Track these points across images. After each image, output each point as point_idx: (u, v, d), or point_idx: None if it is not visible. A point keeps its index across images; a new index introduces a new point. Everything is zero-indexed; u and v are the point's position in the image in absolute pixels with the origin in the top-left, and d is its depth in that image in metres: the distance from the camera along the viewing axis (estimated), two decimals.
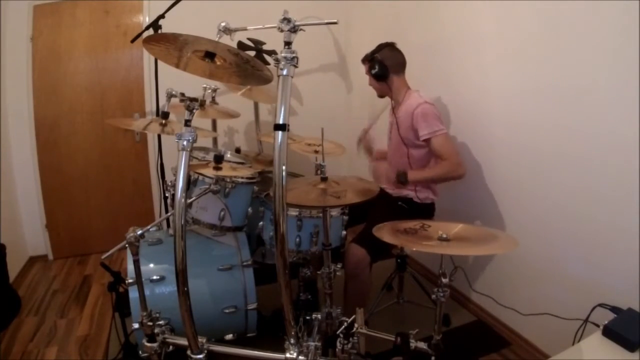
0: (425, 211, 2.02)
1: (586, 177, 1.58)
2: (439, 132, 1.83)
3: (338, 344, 1.29)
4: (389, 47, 1.96)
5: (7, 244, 2.15)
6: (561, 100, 1.66)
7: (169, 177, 2.10)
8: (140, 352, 1.60)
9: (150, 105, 2.94)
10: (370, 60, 1.94)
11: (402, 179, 1.83)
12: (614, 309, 1.29)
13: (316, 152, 2.05)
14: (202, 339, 1.32)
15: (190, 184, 1.73)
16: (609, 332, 1.16)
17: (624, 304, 1.29)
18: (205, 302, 1.67)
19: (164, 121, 1.83)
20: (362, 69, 2.05)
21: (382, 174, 1.97)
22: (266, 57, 2.60)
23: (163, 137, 2.34)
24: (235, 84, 1.45)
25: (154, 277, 1.64)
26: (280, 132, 1.07)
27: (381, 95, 2.07)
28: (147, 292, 1.46)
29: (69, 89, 2.81)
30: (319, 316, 1.53)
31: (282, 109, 1.06)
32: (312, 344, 1.25)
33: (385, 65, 1.92)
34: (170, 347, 1.42)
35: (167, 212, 2.41)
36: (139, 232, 1.35)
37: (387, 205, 2.00)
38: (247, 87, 2.62)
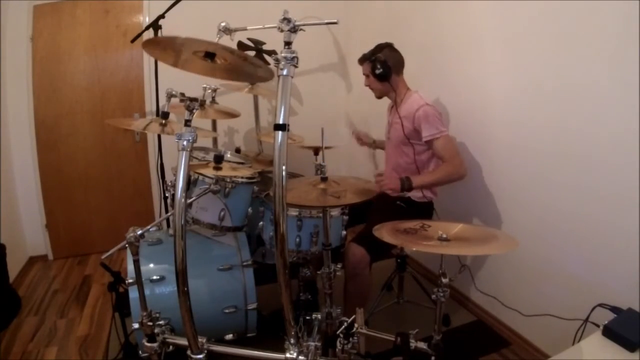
0: (425, 210, 2.02)
1: (586, 177, 1.58)
2: (439, 134, 1.84)
3: (338, 344, 1.29)
4: (389, 47, 1.96)
5: (7, 244, 2.15)
6: (561, 100, 1.66)
7: (169, 177, 2.10)
8: (140, 352, 1.60)
9: (150, 105, 2.94)
10: (372, 60, 1.93)
11: (406, 186, 1.80)
12: (614, 309, 1.29)
13: (316, 153, 2.05)
14: (202, 339, 1.32)
15: (190, 184, 1.73)
16: (609, 332, 1.16)
17: (624, 304, 1.29)
18: (205, 302, 1.67)
19: (164, 121, 1.83)
20: (361, 68, 2.04)
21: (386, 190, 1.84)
22: (266, 57, 2.61)
23: (163, 137, 2.34)
24: (236, 81, 1.46)
25: (154, 277, 1.64)
26: (280, 132, 1.07)
27: (380, 96, 2.06)
28: (147, 292, 1.46)
29: (69, 89, 2.81)
30: (319, 316, 1.53)
31: (282, 109, 1.06)
32: (312, 344, 1.25)
33: (388, 65, 1.92)
34: (170, 347, 1.42)
35: (167, 212, 2.41)
36: (139, 232, 1.35)
37: (386, 204, 2.00)
38: (248, 85, 2.62)
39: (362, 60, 2.01)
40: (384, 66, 1.91)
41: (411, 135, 1.92)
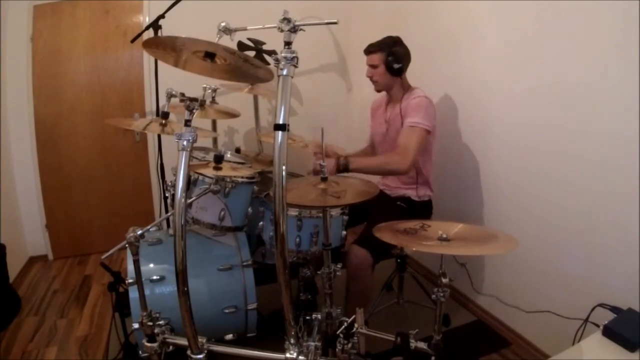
0: (424, 209, 2.02)
1: (586, 177, 1.58)
2: (416, 124, 1.80)
3: (338, 344, 1.29)
4: (400, 41, 1.93)
5: (7, 244, 2.15)
6: (561, 99, 1.66)
7: (169, 177, 2.10)
8: (140, 352, 1.60)
9: (150, 105, 2.94)
10: (391, 53, 1.87)
11: (342, 167, 1.75)
12: (614, 309, 1.29)
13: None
14: (202, 339, 1.32)
15: (190, 184, 1.73)
16: (609, 332, 1.16)
17: (624, 304, 1.29)
18: (205, 302, 1.67)
19: (164, 121, 1.83)
20: (362, 68, 2.02)
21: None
22: (266, 57, 2.60)
23: (163, 137, 2.34)
24: (236, 82, 1.47)
25: (154, 277, 1.64)
26: (280, 132, 1.07)
27: (381, 90, 2.02)
28: (147, 292, 1.46)
29: (69, 89, 2.81)
30: (319, 316, 1.53)
31: (282, 109, 1.06)
32: (312, 344, 1.25)
33: (404, 60, 1.90)
34: (170, 347, 1.42)
35: (167, 212, 2.41)
36: (139, 232, 1.35)
37: (387, 205, 2.00)
38: (248, 85, 2.62)
39: (373, 50, 1.92)
40: (402, 61, 1.88)
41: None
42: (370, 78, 1.99)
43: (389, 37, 1.93)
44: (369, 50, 1.95)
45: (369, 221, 1.93)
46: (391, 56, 1.88)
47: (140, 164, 3.07)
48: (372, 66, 1.95)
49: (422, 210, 2.00)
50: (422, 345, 1.25)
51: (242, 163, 2.14)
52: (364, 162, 1.86)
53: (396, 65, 1.88)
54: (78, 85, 2.82)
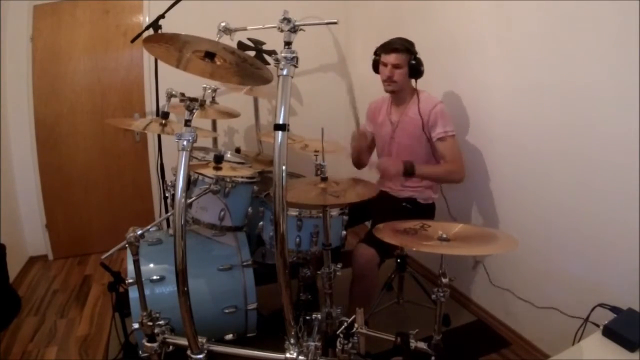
0: (428, 211, 2.04)
1: (586, 177, 1.58)
2: (452, 132, 1.86)
3: (338, 344, 1.29)
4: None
5: (7, 244, 2.15)
6: (561, 99, 1.66)
7: (169, 177, 2.10)
8: (140, 352, 1.60)
9: (150, 105, 2.94)
10: (415, 57, 1.88)
11: (409, 171, 1.80)
12: (614, 309, 1.29)
13: (316, 152, 2.04)
14: (202, 339, 1.32)
15: (190, 184, 1.73)
16: (609, 332, 1.16)
17: (624, 304, 1.29)
18: (205, 302, 1.67)
19: (164, 121, 1.83)
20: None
21: (389, 169, 1.84)
22: (266, 57, 2.61)
23: (163, 137, 2.33)
24: (236, 84, 1.47)
25: (154, 277, 1.64)
26: (280, 132, 1.07)
27: (394, 90, 1.95)
28: (147, 292, 1.46)
29: (69, 89, 2.81)
30: (319, 316, 1.53)
31: (282, 109, 1.07)
32: (312, 344, 1.25)
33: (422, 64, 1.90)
34: (170, 347, 1.42)
35: (167, 212, 2.41)
36: (139, 232, 1.35)
37: (392, 206, 2.00)
38: (248, 87, 2.62)
39: (400, 49, 1.85)
40: (422, 65, 1.89)
41: (424, 133, 1.92)
42: (390, 77, 1.90)
43: (408, 40, 1.91)
44: (395, 48, 1.86)
45: (375, 221, 1.93)
46: (417, 60, 1.88)
47: (140, 164, 3.07)
48: (395, 66, 1.88)
49: (426, 212, 2.02)
50: (422, 345, 1.25)
51: (242, 163, 2.14)
52: (430, 169, 1.91)
53: (422, 68, 1.89)
54: (78, 85, 2.82)
